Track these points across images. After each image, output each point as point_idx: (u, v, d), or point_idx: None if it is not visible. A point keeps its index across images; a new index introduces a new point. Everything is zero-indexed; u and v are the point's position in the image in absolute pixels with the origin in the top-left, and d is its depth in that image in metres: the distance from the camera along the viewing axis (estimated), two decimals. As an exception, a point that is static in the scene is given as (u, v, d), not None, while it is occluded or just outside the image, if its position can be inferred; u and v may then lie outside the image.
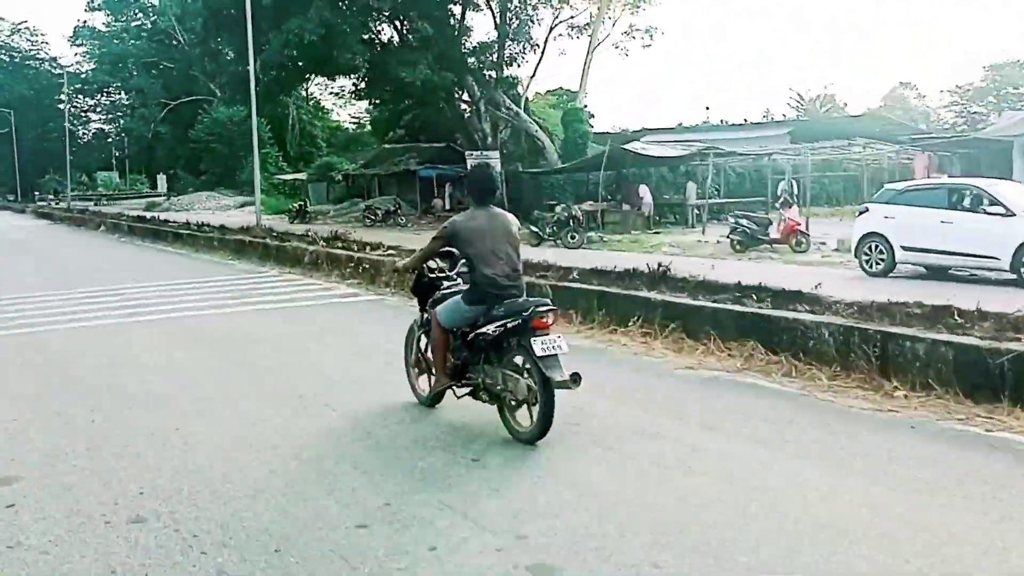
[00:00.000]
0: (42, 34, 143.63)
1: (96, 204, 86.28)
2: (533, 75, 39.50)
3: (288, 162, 75.00)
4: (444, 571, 3.96)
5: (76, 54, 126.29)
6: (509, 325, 5.88)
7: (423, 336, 6.85)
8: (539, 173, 32.78)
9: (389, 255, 14.69)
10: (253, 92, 27.06)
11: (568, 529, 4.35)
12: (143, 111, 74.68)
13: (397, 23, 34.42)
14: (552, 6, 39.04)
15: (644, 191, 25.32)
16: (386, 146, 50.14)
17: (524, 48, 36.86)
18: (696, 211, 26.29)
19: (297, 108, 78.66)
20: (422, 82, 32.69)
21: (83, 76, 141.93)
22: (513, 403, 5.95)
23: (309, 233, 19.34)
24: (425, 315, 6.77)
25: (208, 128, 68.83)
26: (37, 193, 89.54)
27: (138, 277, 17.29)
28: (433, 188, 39.35)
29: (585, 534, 4.28)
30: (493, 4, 36.55)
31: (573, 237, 21.58)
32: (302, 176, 61.66)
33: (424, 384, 6.88)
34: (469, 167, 35.77)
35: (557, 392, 5.62)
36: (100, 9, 77.32)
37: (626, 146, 24.49)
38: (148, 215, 35.99)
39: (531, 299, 6.23)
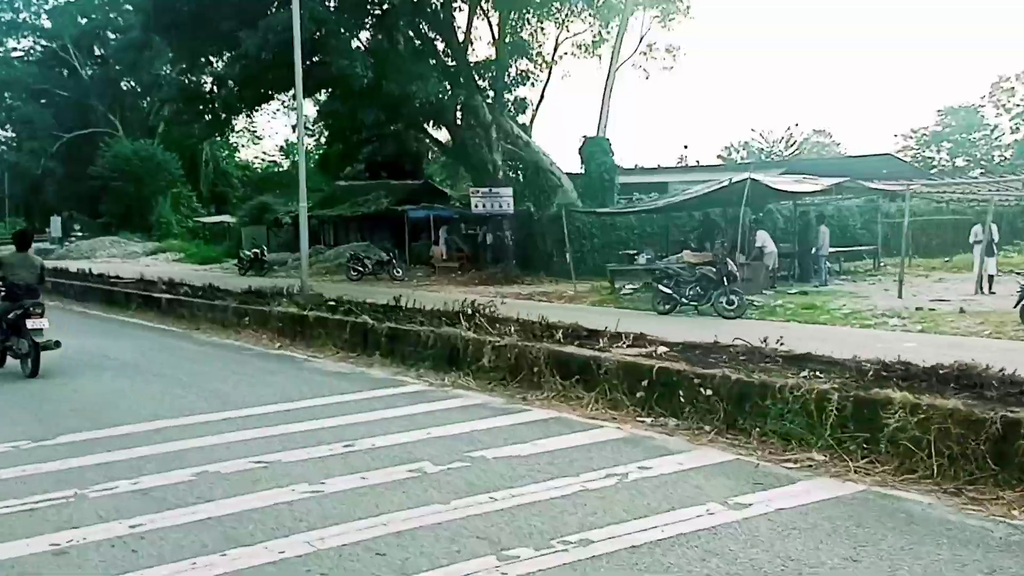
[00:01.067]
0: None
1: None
2: (541, 99, 33.46)
3: (200, 202, 66.67)
4: None
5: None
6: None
7: None
8: (608, 214, 26.46)
9: (643, 352, 8.13)
10: (301, 111, 18.96)
11: None
12: (32, 144, 64.90)
13: (394, 27, 27.64)
14: (556, 21, 33.30)
15: (763, 238, 19.41)
16: (341, 183, 43.02)
17: (529, 66, 30.77)
18: (826, 262, 20.55)
19: (210, 143, 70.54)
20: (430, 101, 26.21)
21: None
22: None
23: (399, 305, 12.07)
24: None
25: (110, 164, 59.88)
26: None
27: (180, 407, 8.78)
28: (419, 233, 32.58)
29: None
30: (489, 12, 30.50)
31: (731, 303, 15.35)
32: (228, 218, 53.69)
33: None
34: (473, 205, 29.38)
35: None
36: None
37: (757, 176, 18.49)
38: (70, 268, 27.58)
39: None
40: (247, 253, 32.81)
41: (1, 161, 71.16)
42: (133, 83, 69.88)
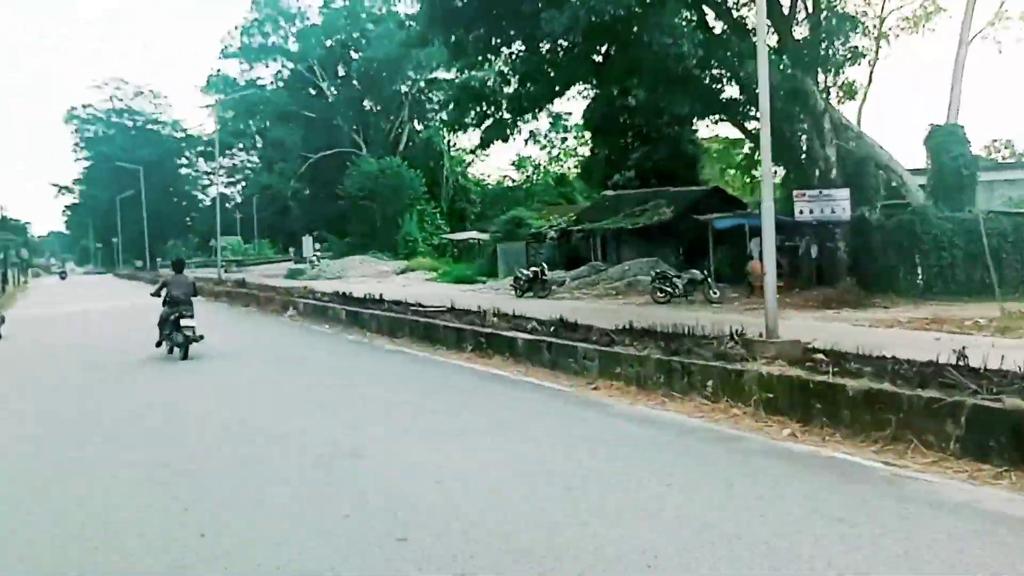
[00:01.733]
0: (164, 96, 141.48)
1: (226, 271, 78.47)
2: (869, 82, 27.62)
3: (443, 219, 65.24)
4: None
5: (208, 103, 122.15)
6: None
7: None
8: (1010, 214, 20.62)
9: None
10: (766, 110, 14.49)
11: None
12: (281, 166, 65.97)
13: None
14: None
15: None
16: (608, 192, 38.86)
17: (860, 42, 25.04)
18: None
19: (449, 160, 69.20)
20: (753, 86, 21.15)
21: (207, 139, 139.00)
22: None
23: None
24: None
25: (357, 182, 59.33)
26: (160, 260, 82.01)
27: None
28: (715, 245, 27.57)
29: None
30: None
31: None
32: (477, 234, 51.08)
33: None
34: (797, 211, 24.21)
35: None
36: (235, 56, 69.58)
37: None
38: (341, 291, 25.04)
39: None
40: (524, 272, 29.12)
41: (252, 184, 73.04)
42: (373, 102, 69.71)
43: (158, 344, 15.09)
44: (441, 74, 72.12)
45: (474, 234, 52.92)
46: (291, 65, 71.77)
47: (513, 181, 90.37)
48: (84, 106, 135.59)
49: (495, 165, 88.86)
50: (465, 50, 24.11)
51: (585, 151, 49.85)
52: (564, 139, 71.54)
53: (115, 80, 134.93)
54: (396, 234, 59.07)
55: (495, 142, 27.57)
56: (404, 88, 69.49)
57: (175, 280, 15.42)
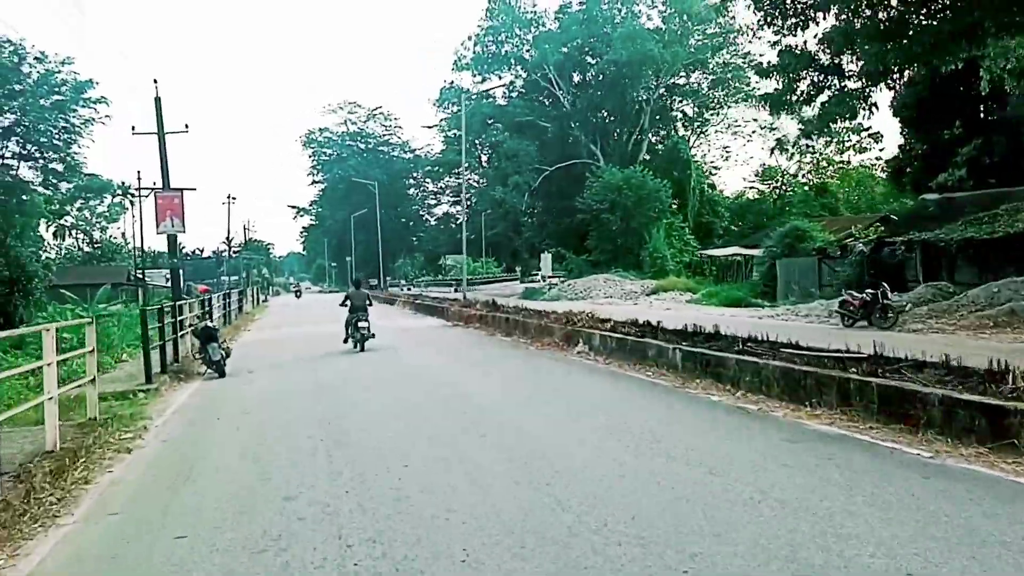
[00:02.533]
0: (395, 118, 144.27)
1: (456, 290, 76.11)
2: None
3: (692, 233, 59.09)
4: None
5: (434, 123, 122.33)
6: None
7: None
8: None
9: None
10: None
11: None
12: (516, 179, 62.21)
13: None
14: None
15: None
16: (929, 196, 31.25)
17: None
18: None
19: (696, 168, 62.89)
20: None
21: (434, 157, 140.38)
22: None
23: None
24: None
25: (599, 194, 54.35)
26: (389, 278, 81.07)
27: None
28: None
29: None
30: None
31: None
32: (742, 250, 44.51)
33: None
34: None
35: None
36: (467, 68, 66.97)
37: None
38: (643, 319, 19.62)
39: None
40: (855, 295, 22.44)
41: (484, 198, 69.99)
42: (610, 110, 64.63)
43: (345, 341, 21.13)
44: (680, 80, 66.25)
45: (736, 250, 46.36)
46: (525, 74, 68.18)
47: (760, 193, 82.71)
48: (320, 130, 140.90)
49: (726, 178, 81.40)
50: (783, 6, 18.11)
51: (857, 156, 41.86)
52: (832, 141, 63.26)
53: (349, 104, 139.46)
54: (641, 250, 53.54)
55: (837, 121, 21.15)
56: (644, 95, 63.97)
57: (355, 294, 21.30)
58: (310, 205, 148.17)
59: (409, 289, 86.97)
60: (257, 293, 57.30)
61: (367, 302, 20.91)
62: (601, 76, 63.51)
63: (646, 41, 59.95)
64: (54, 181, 45.85)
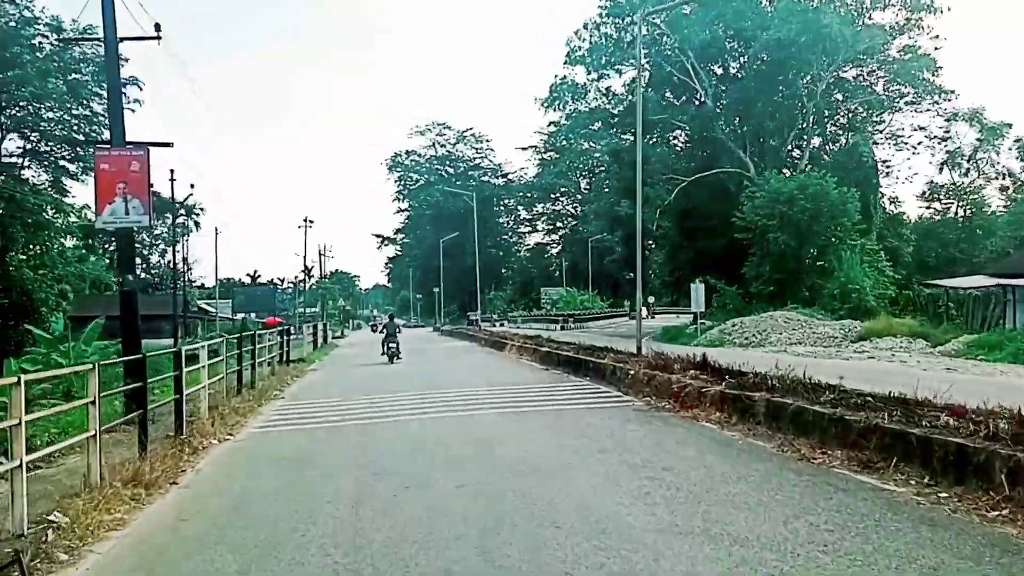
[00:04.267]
0: (487, 139, 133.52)
1: (563, 328, 63.93)
2: None
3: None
4: None
5: (528, 145, 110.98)
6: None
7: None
8: None
9: None
10: None
11: None
12: (647, 191, 49.67)
13: None
14: None
15: None
16: None
17: None
18: None
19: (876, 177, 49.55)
20: None
21: (529, 182, 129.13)
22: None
23: None
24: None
25: (763, 208, 41.56)
26: (471, 312, 69.84)
27: None
28: None
29: None
30: None
31: None
32: (1004, 281, 31.24)
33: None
34: None
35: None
36: (580, 62, 55.11)
37: None
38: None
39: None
40: None
41: (602, 212, 57.73)
42: (764, 105, 51.81)
43: (381, 354, 29.23)
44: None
45: (987, 280, 32.91)
46: (651, 68, 55.93)
47: (937, 213, 68.68)
48: (407, 153, 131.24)
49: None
50: None
51: None
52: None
53: (438, 126, 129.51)
54: (826, 280, 40.47)
55: None
56: (808, 86, 51.10)
57: (388, 324, 30.92)
58: (395, 233, 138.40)
59: (501, 324, 75.11)
60: (325, 330, 46.19)
61: (397, 330, 30.31)
62: (759, 62, 50.82)
63: (819, 14, 47.24)
64: (65, 184, 35.67)
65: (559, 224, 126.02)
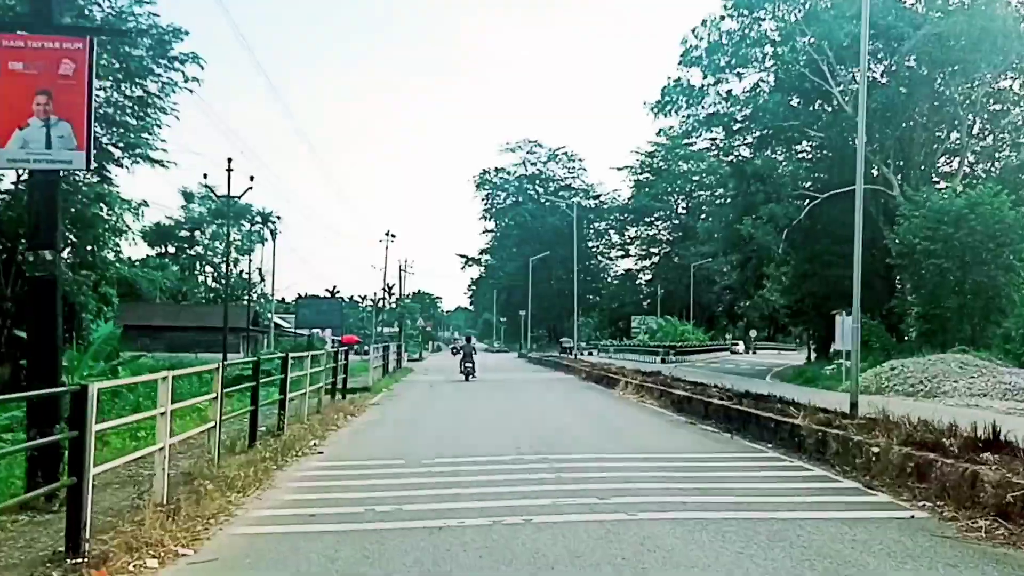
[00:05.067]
0: (580, 159, 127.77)
1: (663, 360, 57.46)
2: None
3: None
4: None
5: (622, 165, 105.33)
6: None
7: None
8: None
9: None
10: None
11: None
12: (773, 208, 42.99)
13: None
14: None
15: None
16: None
17: None
18: None
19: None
20: None
21: (622, 204, 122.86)
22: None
23: None
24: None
25: (921, 229, 34.72)
26: (562, 338, 63.97)
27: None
28: None
29: None
30: None
31: None
32: None
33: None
34: None
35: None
36: (696, 64, 48.90)
37: None
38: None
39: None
40: None
41: (724, 238, 51.27)
42: (915, 111, 44.81)
43: (460, 371, 32.67)
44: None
45: None
46: (773, 68, 49.42)
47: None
48: (496, 170, 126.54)
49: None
50: None
51: None
52: None
53: (529, 143, 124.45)
54: (997, 317, 33.38)
55: None
56: (965, 92, 43.99)
57: (465, 345, 35.29)
58: (480, 254, 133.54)
59: (590, 353, 68.90)
60: (399, 352, 40.95)
61: (473, 351, 34.44)
62: (908, 64, 43.92)
63: (990, 6, 40.19)
64: (107, 169, 31.13)
65: (652, 250, 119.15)
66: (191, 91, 32.13)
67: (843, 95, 45.37)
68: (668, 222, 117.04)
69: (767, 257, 47.45)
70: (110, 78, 31.07)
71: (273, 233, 69.75)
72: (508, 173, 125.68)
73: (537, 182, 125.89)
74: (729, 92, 48.38)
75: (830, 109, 46.80)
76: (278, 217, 67.86)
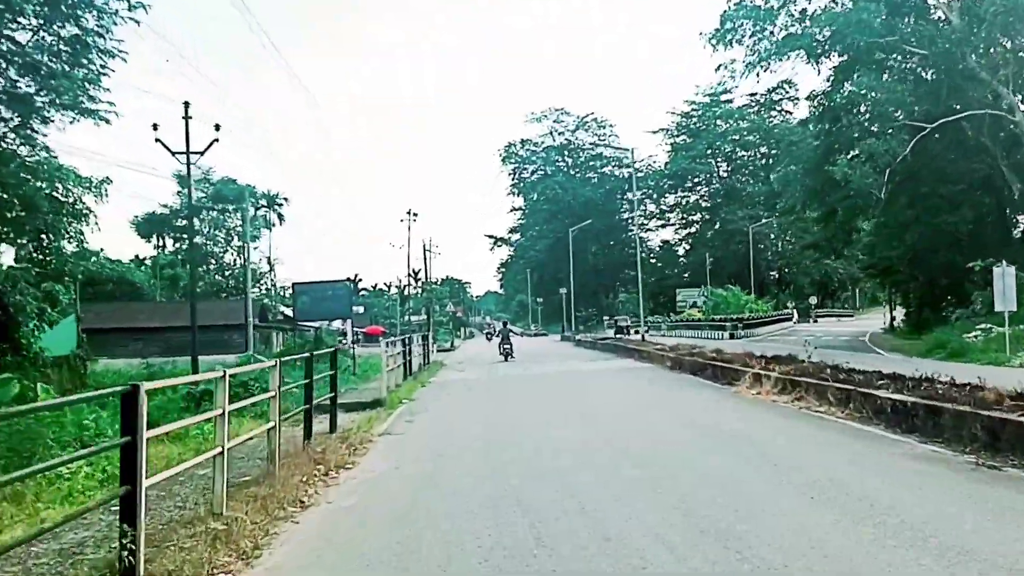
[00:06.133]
0: (611, 125, 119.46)
1: (732, 336, 49.73)
2: None
3: None
4: None
5: (657, 128, 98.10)
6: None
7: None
8: None
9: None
10: None
11: None
12: (872, 144, 34.94)
13: None
14: None
15: None
16: None
17: None
18: None
19: None
20: None
21: (659, 170, 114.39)
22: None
23: None
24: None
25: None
26: (607, 318, 56.33)
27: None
28: None
29: None
30: None
31: None
32: None
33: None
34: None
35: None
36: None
37: None
38: None
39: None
40: None
41: (805, 187, 43.29)
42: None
43: (500, 353, 35.19)
44: None
45: None
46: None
47: None
48: (523, 142, 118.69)
49: None
50: None
51: None
52: None
53: (555, 111, 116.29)
54: None
55: None
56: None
57: (503, 330, 38.92)
58: (509, 233, 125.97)
59: (636, 332, 60.89)
60: (427, 343, 33.46)
61: (509, 334, 37.81)
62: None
63: None
64: (32, 127, 24.01)
65: (694, 217, 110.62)
66: (137, 22, 24.87)
67: (948, 4, 37.28)
68: (709, 187, 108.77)
69: (859, 206, 39.45)
70: (34, 14, 24.07)
71: (281, 217, 62.80)
72: (535, 145, 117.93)
73: (566, 152, 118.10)
74: (803, 12, 40.30)
75: (926, 24, 38.61)
76: (285, 199, 61.14)
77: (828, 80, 40.81)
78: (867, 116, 35.55)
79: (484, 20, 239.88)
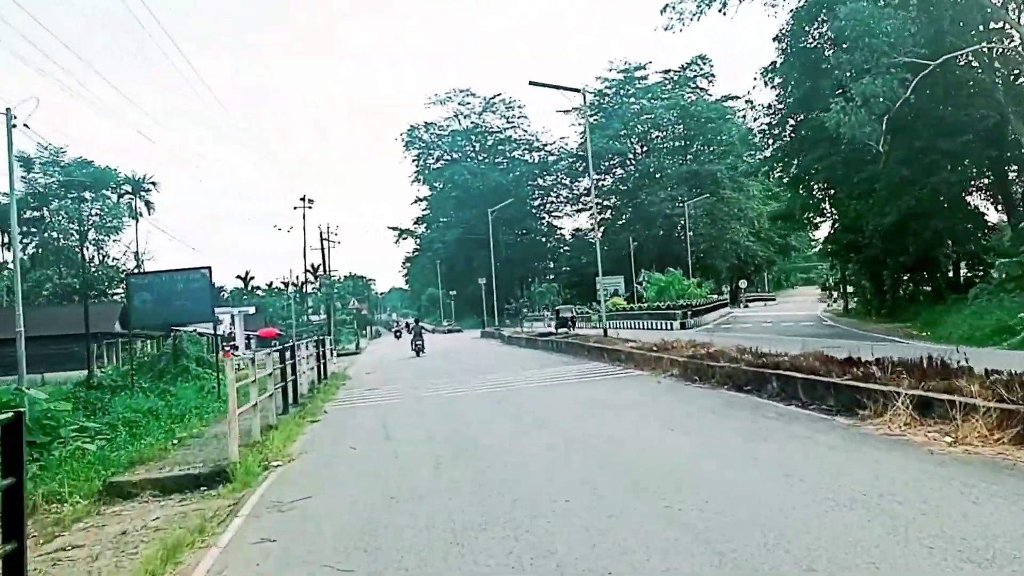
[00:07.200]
0: (520, 106, 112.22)
1: (683, 325, 43.14)
2: None
3: None
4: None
5: (568, 107, 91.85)
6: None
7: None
8: None
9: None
10: None
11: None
12: (868, 84, 28.51)
13: None
14: None
15: None
16: None
17: None
18: None
19: None
20: None
21: (571, 152, 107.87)
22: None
23: None
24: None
25: None
26: (561, 310, 49.11)
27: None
28: None
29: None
30: None
31: None
32: None
33: None
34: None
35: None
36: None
37: None
38: None
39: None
40: None
41: (787, 146, 36.85)
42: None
43: (412, 350, 37.07)
44: None
45: None
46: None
47: None
48: (426, 125, 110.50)
49: None
50: None
51: None
52: None
53: (460, 92, 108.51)
54: None
55: None
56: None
57: (415, 328, 40.43)
58: (415, 224, 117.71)
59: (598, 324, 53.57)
60: (322, 353, 24.64)
61: (421, 331, 39.79)
62: None
63: None
64: None
65: (609, 202, 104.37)
66: None
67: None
68: (625, 169, 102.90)
69: (850, 161, 33.14)
70: None
71: (149, 205, 53.28)
72: (441, 129, 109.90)
73: (473, 136, 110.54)
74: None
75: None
76: (153, 183, 51.65)
77: (791, 14, 34.54)
78: (857, 49, 29.04)
79: (459, 21, 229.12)
